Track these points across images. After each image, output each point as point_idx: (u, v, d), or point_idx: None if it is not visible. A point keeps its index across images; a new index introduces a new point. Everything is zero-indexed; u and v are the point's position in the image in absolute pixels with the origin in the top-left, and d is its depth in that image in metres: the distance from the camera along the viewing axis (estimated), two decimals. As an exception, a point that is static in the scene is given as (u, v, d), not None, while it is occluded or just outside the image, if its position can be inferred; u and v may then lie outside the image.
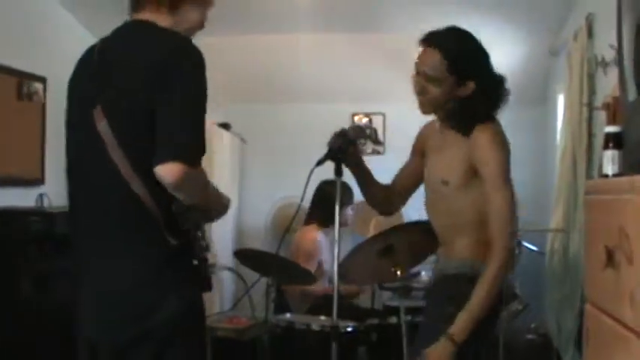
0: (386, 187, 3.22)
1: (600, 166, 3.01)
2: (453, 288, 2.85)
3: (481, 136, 2.78)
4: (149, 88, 2.30)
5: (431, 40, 2.83)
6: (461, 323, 2.69)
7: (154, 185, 2.30)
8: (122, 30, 2.53)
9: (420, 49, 2.87)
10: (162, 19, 2.49)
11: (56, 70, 5.40)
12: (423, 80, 2.84)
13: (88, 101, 2.40)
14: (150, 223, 2.35)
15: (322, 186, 5.27)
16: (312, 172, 2.93)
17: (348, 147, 2.95)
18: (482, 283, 2.71)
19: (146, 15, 2.50)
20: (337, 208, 2.98)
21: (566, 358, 4.70)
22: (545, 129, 6.39)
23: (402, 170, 3.24)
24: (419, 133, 3.18)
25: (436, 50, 2.80)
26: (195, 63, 2.37)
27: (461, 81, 2.81)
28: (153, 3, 2.50)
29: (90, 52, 2.54)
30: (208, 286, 2.54)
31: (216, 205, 2.60)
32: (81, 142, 2.49)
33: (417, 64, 2.86)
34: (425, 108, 2.90)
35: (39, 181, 5.53)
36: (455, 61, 2.80)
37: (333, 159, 2.95)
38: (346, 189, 4.78)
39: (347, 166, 3.01)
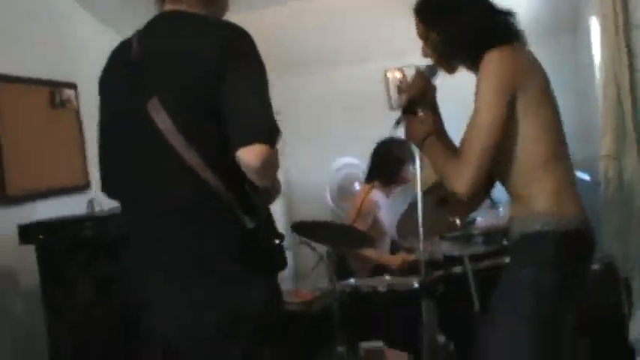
0: None
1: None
2: (534, 250, 2.54)
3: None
4: (210, 76, 2.26)
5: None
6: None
7: (223, 171, 2.29)
8: (160, 21, 2.49)
9: None
10: (197, 9, 2.47)
11: (85, 75, 5.45)
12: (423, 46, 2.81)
13: (137, 95, 2.35)
14: (223, 208, 2.32)
15: (381, 145, 5.26)
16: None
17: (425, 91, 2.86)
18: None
19: (182, 6, 2.47)
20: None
21: (635, 283, 4.65)
22: (580, 55, 6.27)
23: None
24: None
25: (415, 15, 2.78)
26: (251, 44, 2.35)
27: (428, 29, 2.74)
28: None
29: (126, 46, 2.49)
30: (285, 264, 2.53)
31: (277, 187, 2.56)
32: (135, 137, 2.43)
33: None
34: (444, 69, 2.82)
35: (86, 186, 5.57)
36: (423, 12, 2.75)
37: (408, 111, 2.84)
38: (406, 145, 4.75)
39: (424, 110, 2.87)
